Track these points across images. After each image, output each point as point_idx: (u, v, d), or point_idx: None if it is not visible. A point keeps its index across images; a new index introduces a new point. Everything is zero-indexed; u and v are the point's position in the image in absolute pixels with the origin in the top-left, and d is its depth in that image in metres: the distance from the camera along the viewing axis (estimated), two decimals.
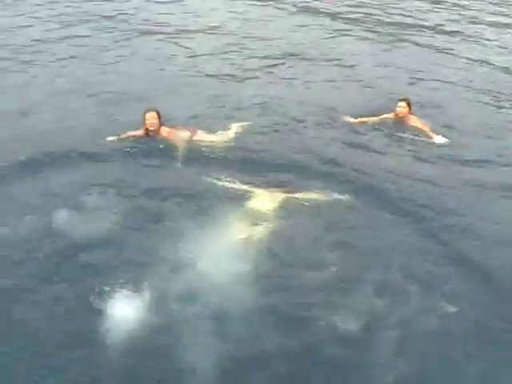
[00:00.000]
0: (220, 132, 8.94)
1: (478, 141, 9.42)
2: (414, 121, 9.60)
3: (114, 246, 6.61)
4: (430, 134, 9.30)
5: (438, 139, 9.21)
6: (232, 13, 15.48)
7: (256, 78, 11.63)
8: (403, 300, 6.06)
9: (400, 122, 9.57)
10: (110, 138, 8.67)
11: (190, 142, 8.70)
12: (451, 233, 7.12)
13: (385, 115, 9.70)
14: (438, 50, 13.76)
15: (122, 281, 6.00)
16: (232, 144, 8.72)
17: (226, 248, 6.63)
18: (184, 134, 8.79)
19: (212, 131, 8.98)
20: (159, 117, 8.77)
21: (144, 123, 8.76)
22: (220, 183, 7.78)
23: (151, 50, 12.64)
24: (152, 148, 8.62)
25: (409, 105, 9.55)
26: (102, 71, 11.44)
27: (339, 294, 6.11)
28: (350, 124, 9.60)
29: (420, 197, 7.75)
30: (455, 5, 17.60)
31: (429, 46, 13.89)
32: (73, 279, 6.11)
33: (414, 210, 7.47)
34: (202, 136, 8.80)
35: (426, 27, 15.37)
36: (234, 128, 9.08)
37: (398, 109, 9.56)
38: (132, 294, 5.88)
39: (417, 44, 14.00)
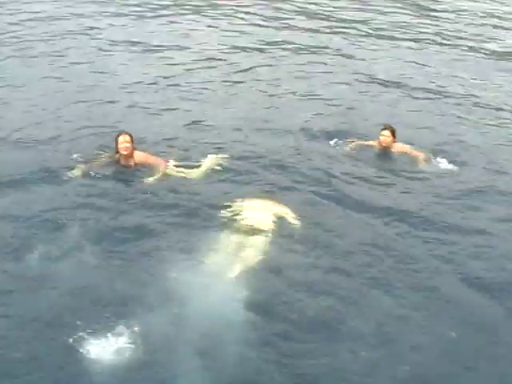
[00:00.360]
0: (195, 164, 8.46)
1: (473, 164, 9.01)
2: (400, 148, 9.13)
3: (95, 278, 6.26)
4: (422, 158, 8.86)
5: (442, 163, 8.81)
6: (211, 32, 15.17)
7: (234, 98, 11.28)
8: (405, 328, 5.83)
9: (384, 150, 9.12)
10: (82, 166, 8.20)
11: (164, 168, 8.30)
12: (450, 268, 6.78)
13: (369, 142, 9.27)
14: (420, 63, 13.54)
15: (106, 315, 5.63)
16: (206, 178, 8.25)
17: (216, 274, 6.32)
18: (158, 160, 8.37)
19: (186, 160, 8.56)
20: (132, 140, 8.32)
21: (116, 147, 8.31)
22: (203, 207, 7.50)
23: (126, 69, 12.26)
24: (126, 173, 8.25)
25: (393, 133, 9.02)
26: (75, 92, 11.04)
27: (338, 323, 5.83)
28: (336, 148, 9.25)
29: (415, 228, 7.42)
30: (439, 19, 17.46)
31: (410, 60, 13.70)
32: (53, 315, 5.73)
33: (410, 239, 7.22)
34: (174, 168, 8.35)
35: (409, 40, 15.22)
36: (210, 160, 8.51)
37: (381, 137, 9.03)
38: (117, 328, 5.51)
39: (398, 59, 13.81)
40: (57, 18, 15.28)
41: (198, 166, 8.36)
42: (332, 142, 9.36)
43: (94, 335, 5.42)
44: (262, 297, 6.12)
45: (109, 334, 5.44)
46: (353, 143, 9.26)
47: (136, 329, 5.51)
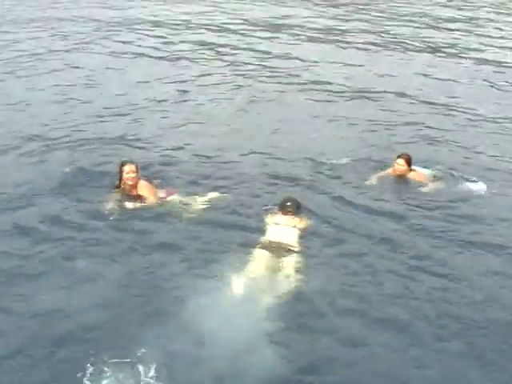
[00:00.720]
0: (200, 193, 8.17)
1: (496, 186, 8.57)
2: (416, 177, 8.71)
3: (111, 307, 6.02)
4: (438, 187, 8.49)
5: (464, 186, 8.45)
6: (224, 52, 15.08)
7: (247, 120, 11.15)
8: (437, 369, 5.41)
9: (399, 179, 8.68)
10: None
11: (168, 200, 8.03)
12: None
13: (383, 172, 8.83)
14: (438, 78, 13.40)
15: (124, 344, 5.42)
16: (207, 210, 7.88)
17: (240, 300, 6.10)
18: (160, 199, 8.03)
19: (191, 185, 8.36)
20: (137, 170, 8.01)
21: (121, 176, 7.99)
22: (222, 229, 7.31)
23: (134, 88, 12.30)
24: (131, 201, 7.88)
25: (408, 161, 8.59)
26: (84, 114, 11.00)
27: (366, 355, 5.46)
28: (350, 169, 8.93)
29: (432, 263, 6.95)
30: (454, 31, 17.18)
31: (428, 74, 13.52)
32: (67, 348, 5.47)
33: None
34: (177, 198, 8.07)
35: (425, 52, 15.09)
36: (211, 196, 8.13)
37: (395, 166, 8.64)
38: (136, 358, 5.25)
39: (416, 73, 13.68)
40: (60, 35, 15.67)
41: (202, 197, 8.07)
42: (344, 161, 9.17)
43: (112, 365, 5.20)
44: (288, 325, 5.82)
45: (127, 361, 5.24)
46: (370, 177, 8.79)
47: (156, 358, 5.28)
